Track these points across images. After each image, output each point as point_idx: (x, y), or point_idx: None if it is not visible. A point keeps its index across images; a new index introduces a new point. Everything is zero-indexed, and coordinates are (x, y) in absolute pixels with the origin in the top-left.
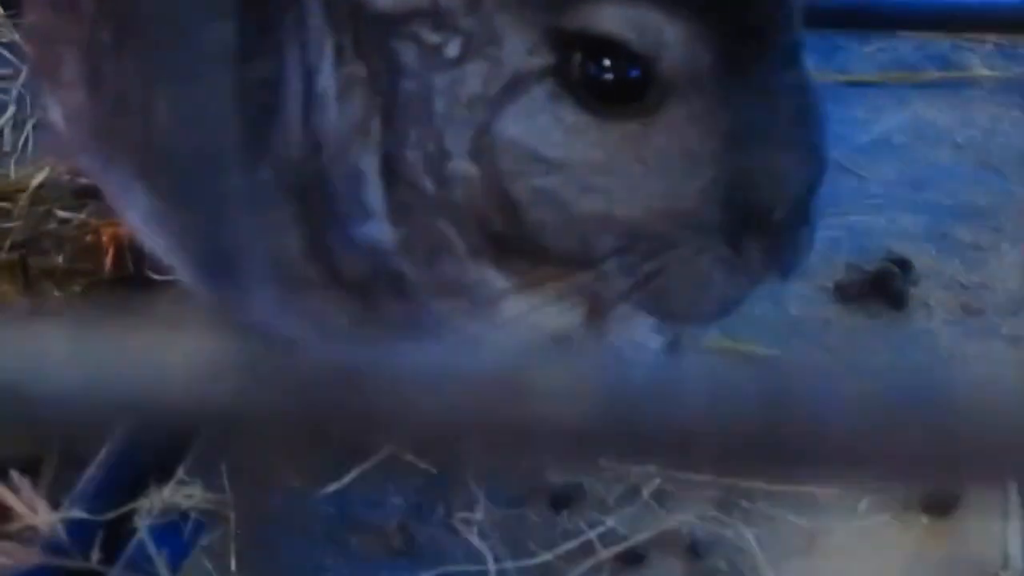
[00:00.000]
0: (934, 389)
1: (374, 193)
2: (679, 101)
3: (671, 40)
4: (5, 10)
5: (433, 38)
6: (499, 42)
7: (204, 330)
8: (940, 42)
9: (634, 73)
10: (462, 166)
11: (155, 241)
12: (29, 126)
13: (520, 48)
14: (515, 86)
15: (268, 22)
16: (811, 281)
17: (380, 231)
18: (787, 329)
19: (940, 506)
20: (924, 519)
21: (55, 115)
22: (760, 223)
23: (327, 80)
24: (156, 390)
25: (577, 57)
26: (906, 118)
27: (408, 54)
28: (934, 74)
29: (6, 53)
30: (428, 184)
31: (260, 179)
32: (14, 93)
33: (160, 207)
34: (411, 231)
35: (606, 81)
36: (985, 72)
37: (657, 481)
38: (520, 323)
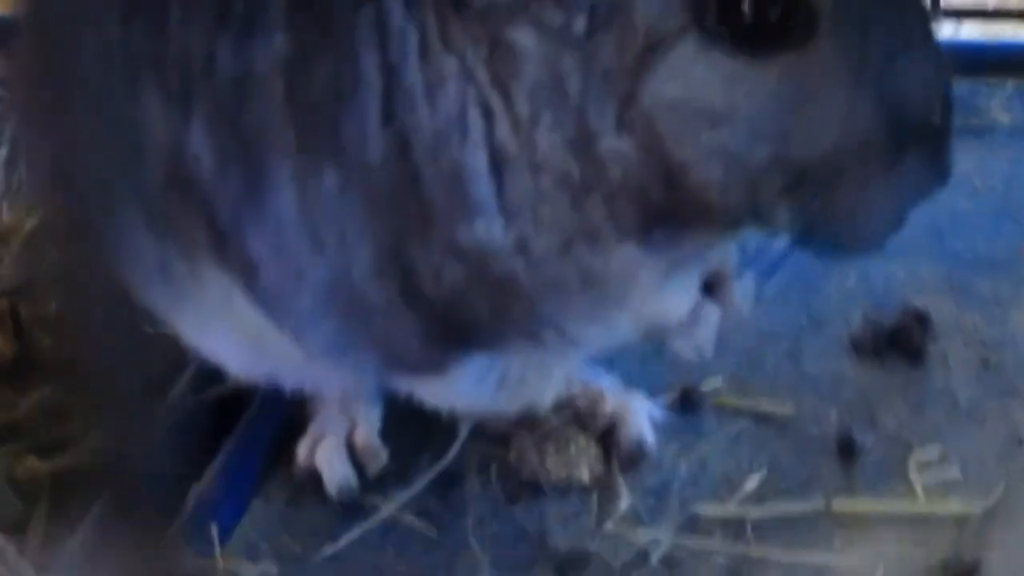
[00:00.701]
0: None
1: (483, 188)
2: (826, 31)
3: None
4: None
5: (557, 19)
6: (629, 9)
7: None
8: (959, 87)
9: (775, 11)
10: (613, 142)
11: None
12: (23, 167)
13: (653, 10)
14: (653, 49)
15: (325, 29)
16: (825, 335)
17: (490, 230)
18: (801, 385)
19: (960, 574)
20: None
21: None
22: (919, 131)
23: (414, 76)
24: None
25: (712, 5)
26: None
27: (528, 39)
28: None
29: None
30: (574, 167)
31: (323, 190)
32: (7, 133)
33: None
34: (529, 226)
35: (747, 25)
36: (1004, 117)
37: (666, 547)
38: (646, 310)
